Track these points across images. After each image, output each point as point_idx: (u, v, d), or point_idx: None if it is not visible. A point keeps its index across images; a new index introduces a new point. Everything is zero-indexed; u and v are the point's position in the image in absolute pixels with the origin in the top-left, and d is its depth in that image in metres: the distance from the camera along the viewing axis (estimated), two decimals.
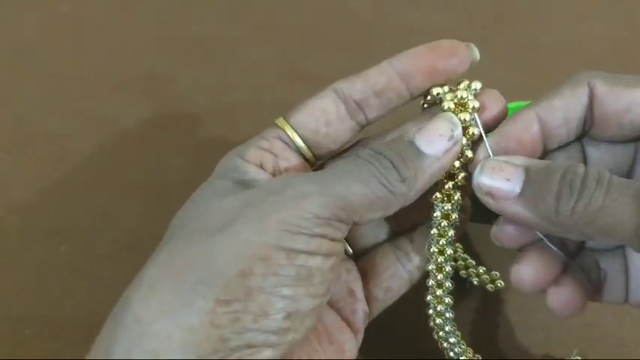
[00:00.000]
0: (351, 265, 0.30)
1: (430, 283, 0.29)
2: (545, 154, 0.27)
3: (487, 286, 0.37)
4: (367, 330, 0.30)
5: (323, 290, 0.24)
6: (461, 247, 0.39)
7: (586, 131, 0.27)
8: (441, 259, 0.29)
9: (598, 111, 0.25)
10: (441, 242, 0.28)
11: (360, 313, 0.29)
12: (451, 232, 0.28)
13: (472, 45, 0.27)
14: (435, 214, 0.28)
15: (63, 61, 0.53)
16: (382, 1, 0.61)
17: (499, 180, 0.24)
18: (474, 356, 0.32)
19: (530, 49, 0.55)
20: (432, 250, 0.29)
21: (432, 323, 0.30)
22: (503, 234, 0.28)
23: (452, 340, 0.30)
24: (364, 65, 0.55)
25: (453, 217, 0.28)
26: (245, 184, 0.25)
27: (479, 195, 0.26)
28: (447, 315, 0.30)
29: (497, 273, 0.37)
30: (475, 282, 0.37)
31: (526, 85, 0.51)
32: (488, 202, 0.25)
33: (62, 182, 0.43)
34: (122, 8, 0.58)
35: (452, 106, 0.26)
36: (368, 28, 0.57)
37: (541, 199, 0.23)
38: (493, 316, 0.37)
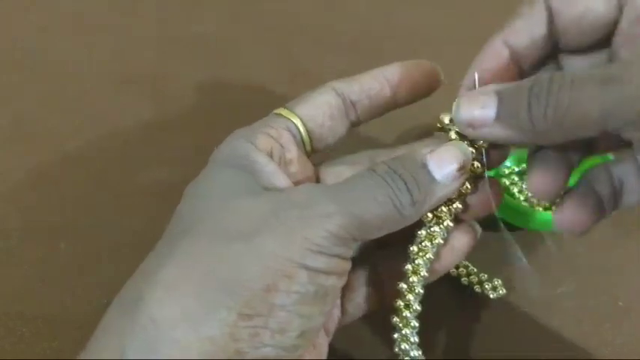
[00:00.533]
0: None
1: (398, 304, 0.28)
2: (524, 75, 0.28)
3: (489, 294, 0.37)
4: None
5: (330, 307, 0.25)
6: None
7: (557, 45, 0.27)
8: (413, 278, 0.28)
9: (558, 23, 0.26)
10: (417, 261, 0.28)
11: (335, 318, 0.29)
12: (429, 255, 0.28)
13: (438, 67, 0.30)
14: (419, 232, 0.28)
15: (64, 60, 0.53)
16: (383, 1, 0.61)
17: (475, 109, 0.25)
18: None
19: None
20: (406, 267, 0.28)
21: (396, 349, 0.28)
22: (564, 217, 0.27)
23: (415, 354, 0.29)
24: (364, 65, 0.55)
25: (436, 241, 0.28)
26: (259, 180, 0.25)
27: (462, 130, 0.26)
28: (412, 340, 0.28)
29: (499, 280, 0.37)
30: (477, 289, 0.37)
31: None
32: (470, 133, 0.25)
33: (63, 180, 0.43)
34: (123, 8, 0.58)
35: (453, 136, 0.27)
36: (368, 29, 0.57)
37: (515, 116, 0.24)
38: (489, 323, 0.37)
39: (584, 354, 0.35)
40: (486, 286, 0.37)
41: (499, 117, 0.24)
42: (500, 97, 0.24)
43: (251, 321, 0.21)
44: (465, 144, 0.26)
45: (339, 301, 0.29)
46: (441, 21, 0.58)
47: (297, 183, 0.27)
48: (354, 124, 0.29)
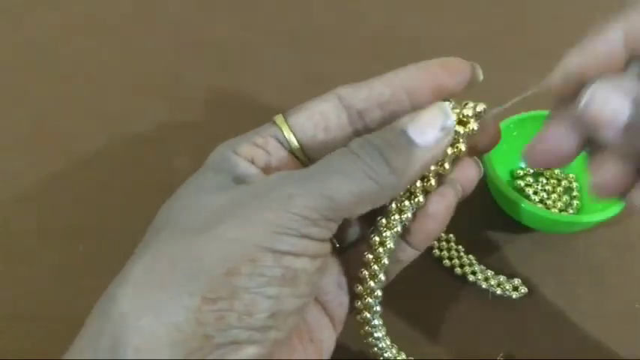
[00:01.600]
0: (339, 259, 0.30)
1: (363, 274, 0.28)
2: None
3: (511, 295, 0.37)
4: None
5: (308, 290, 0.24)
6: (475, 259, 0.39)
7: None
8: (380, 249, 0.27)
9: None
10: (385, 234, 0.27)
11: (345, 306, 0.29)
12: (398, 228, 0.27)
13: (477, 65, 0.27)
14: (390, 205, 0.27)
15: (77, 62, 0.53)
16: (395, 7, 0.60)
17: (608, 109, 0.24)
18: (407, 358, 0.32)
19: (544, 58, 0.54)
20: (374, 239, 0.28)
21: (358, 317, 0.29)
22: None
23: (381, 345, 0.30)
24: (377, 70, 0.55)
25: (405, 215, 0.27)
26: (234, 180, 0.25)
27: (583, 121, 0.25)
28: (375, 309, 0.29)
29: (519, 279, 0.37)
30: (498, 292, 0.37)
31: (539, 94, 0.50)
32: (590, 129, 0.25)
33: (76, 181, 0.44)
34: (137, 10, 0.58)
35: (471, 112, 0.26)
36: (381, 34, 0.57)
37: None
38: (504, 325, 0.37)
39: (600, 356, 0.35)
40: (507, 287, 0.37)
41: (627, 127, 0.23)
42: (636, 104, 0.23)
43: (215, 305, 0.22)
44: (447, 105, 0.25)
45: (346, 289, 0.29)
46: (454, 29, 0.58)
47: None
48: (362, 133, 0.27)
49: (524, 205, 0.37)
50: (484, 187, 0.39)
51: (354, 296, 0.29)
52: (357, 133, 0.27)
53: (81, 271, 0.39)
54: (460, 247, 0.40)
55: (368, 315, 0.29)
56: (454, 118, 0.25)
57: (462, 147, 0.26)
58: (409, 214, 0.27)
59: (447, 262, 0.39)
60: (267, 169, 0.26)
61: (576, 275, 0.39)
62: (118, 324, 0.22)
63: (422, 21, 0.59)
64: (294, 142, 0.27)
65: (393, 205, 0.27)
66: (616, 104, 0.24)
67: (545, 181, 0.44)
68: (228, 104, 0.50)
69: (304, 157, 0.27)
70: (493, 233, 0.40)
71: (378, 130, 0.25)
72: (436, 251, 0.40)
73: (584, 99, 0.24)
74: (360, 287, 0.28)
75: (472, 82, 0.27)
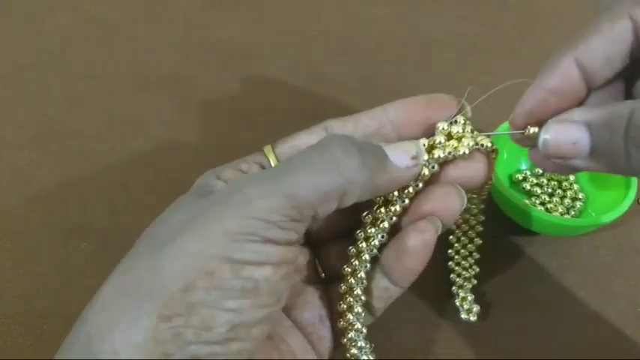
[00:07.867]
0: (323, 291, 0.29)
1: (342, 307, 0.27)
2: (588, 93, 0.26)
3: (461, 313, 0.36)
4: None
5: (274, 299, 0.23)
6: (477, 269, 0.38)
7: (634, 65, 0.25)
8: (351, 279, 0.27)
9: None
10: (354, 262, 0.27)
11: (327, 341, 0.28)
12: (366, 256, 0.27)
13: (466, 103, 0.26)
14: (358, 232, 0.27)
15: (90, 62, 0.53)
16: (405, 8, 0.60)
17: (566, 145, 0.24)
18: None
19: None
20: (346, 269, 0.28)
21: (347, 353, 0.28)
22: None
23: (364, 358, 0.28)
24: (386, 71, 0.56)
25: (373, 242, 0.27)
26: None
27: (550, 159, 0.25)
28: (361, 344, 0.28)
29: (478, 307, 0.36)
30: (457, 303, 0.36)
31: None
32: (559, 163, 0.25)
33: (86, 180, 0.44)
34: (148, 11, 0.59)
35: (443, 140, 0.26)
36: (390, 35, 0.57)
37: (611, 157, 0.23)
38: (510, 328, 0.36)
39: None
40: (464, 305, 0.36)
41: (593, 154, 0.23)
42: (592, 131, 0.23)
43: (170, 322, 0.21)
44: (421, 142, 0.25)
45: (329, 323, 0.28)
46: (464, 30, 0.58)
47: None
48: None
49: (527, 208, 0.37)
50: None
51: (340, 332, 0.28)
52: None
53: (86, 269, 0.39)
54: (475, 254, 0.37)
55: (355, 351, 0.28)
56: (426, 157, 0.25)
57: (426, 171, 0.26)
58: (376, 242, 0.27)
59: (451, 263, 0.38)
60: None
61: (579, 278, 0.39)
62: (85, 345, 0.22)
63: (432, 23, 0.59)
64: None
65: (361, 233, 0.27)
66: (574, 137, 0.24)
67: (545, 182, 0.43)
68: (238, 103, 0.50)
69: None
70: (495, 236, 0.40)
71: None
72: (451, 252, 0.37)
73: (540, 140, 0.25)
74: (342, 322, 0.28)
75: (462, 114, 0.26)
